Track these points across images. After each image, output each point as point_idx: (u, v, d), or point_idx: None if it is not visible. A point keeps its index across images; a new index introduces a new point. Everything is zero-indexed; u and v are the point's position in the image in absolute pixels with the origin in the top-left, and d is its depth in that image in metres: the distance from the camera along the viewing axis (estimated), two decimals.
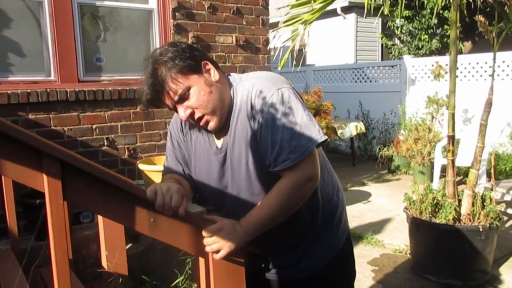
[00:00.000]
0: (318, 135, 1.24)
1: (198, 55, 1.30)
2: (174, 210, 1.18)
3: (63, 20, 3.18)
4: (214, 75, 1.31)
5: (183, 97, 1.25)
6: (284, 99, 1.24)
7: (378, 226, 4.21)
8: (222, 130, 1.34)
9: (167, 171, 1.49)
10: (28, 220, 2.76)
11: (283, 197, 1.26)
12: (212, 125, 1.30)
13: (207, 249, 1.26)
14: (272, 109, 1.23)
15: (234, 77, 1.37)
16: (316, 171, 1.28)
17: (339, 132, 6.21)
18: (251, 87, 1.28)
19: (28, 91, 3.00)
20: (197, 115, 1.27)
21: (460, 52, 8.71)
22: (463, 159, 4.77)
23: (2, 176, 2.52)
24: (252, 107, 1.26)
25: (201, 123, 1.30)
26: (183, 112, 1.27)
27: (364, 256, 3.54)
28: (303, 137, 1.22)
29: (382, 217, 4.51)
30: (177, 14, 3.63)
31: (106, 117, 3.36)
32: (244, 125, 1.29)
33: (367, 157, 7.65)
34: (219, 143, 1.36)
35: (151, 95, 1.25)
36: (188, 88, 1.25)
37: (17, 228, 2.54)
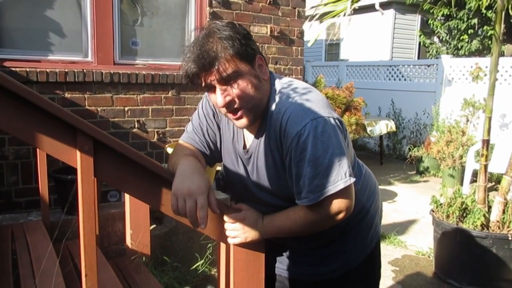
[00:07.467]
0: (344, 178, 1.13)
1: (255, 47, 1.20)
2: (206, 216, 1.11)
3: (103, 3, 3.25)
4: (264, 72, 1.22)
5: (229, 79, 1.13)
6: (317, 133, 1.11)
7: (402, 227, 4.14)
8: (252, 131, 1.28)
9: (186, 140, 1.39)
10: (58, 195, 2.86)
11: (306, 222, 1.21)
12: (243, 122, 1.20)
13: (226, 233, 1.28)
14: (301, 142, 1.12)
15: (275, 79, 1.27)
16: (346, 205, 1.17)
17: (368, 129, 6.12)
18: (284, 109, 1.17)
19: (66, 70, 3.09)
20: (235, 105, 1.17)
21: (502, 54, 8.36)
22: (497, 165, 4.62)
23: (37, 150, 2.62)
24: (281, 134, 1.17)
25: (235, 116, 1.19)
26: (221, 97, 1.15)
27: (385, 255, 3.49)
28: (326, 178, 1.12)
29: (407, 218, 4.43)
30: (213, 2, 3.64)
31: (138, 100, 3.43)
32: (274, 143, 1.21)
33: (395, 156, 7.52)
34: (247, 143, 1.31)
35: (197, 68, 1.12)
36: (238, 74, 1.14)
37: (48, 201, 2.65)
